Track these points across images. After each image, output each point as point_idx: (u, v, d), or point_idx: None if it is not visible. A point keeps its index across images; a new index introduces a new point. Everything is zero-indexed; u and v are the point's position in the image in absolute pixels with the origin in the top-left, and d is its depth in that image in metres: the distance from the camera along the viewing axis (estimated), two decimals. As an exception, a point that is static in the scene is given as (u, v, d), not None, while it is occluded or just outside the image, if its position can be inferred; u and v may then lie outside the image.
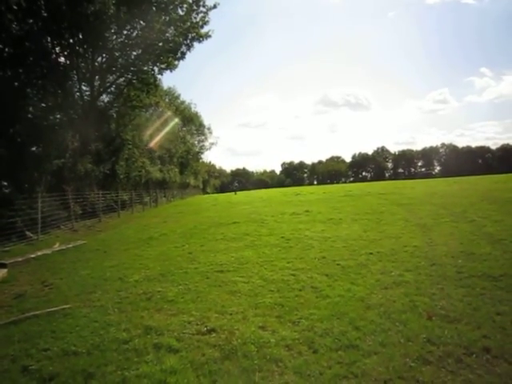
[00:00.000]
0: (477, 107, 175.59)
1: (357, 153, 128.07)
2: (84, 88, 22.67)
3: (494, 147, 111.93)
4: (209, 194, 72.91)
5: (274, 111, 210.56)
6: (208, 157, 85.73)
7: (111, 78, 24.02)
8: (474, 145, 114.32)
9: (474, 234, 8.95)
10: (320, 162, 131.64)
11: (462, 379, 3.22)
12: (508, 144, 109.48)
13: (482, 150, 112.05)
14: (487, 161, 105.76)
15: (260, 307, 5.13)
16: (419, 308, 4.72)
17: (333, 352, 3.78)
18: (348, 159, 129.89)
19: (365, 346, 3.84)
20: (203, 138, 68.66)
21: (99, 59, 22.66)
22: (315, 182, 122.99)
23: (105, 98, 25.18)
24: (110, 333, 4.54)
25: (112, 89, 24.74)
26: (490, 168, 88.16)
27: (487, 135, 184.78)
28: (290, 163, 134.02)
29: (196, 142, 66.89)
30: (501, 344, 3.73)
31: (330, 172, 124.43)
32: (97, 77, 22.92)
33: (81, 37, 20.12)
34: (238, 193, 54.36)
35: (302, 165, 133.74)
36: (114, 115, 26.19)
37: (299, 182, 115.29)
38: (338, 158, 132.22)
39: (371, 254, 7.75)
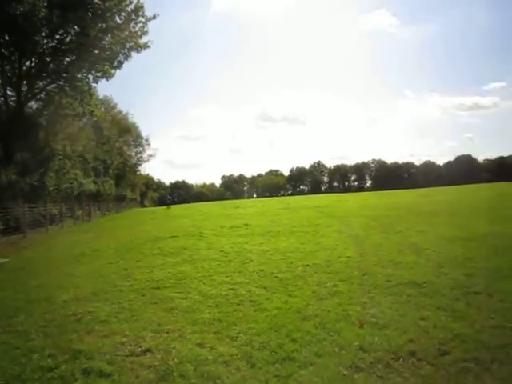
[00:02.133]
0: (402, 126, 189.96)
1: (294, 167, 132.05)
2: (9, 93, 21.12)
3: (417, 163, 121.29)
4: (147, 207, 70.64)
5: (214, 124, 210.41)
6: (146, 169, 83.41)
7: (41, 83, 22.61)
8: (400, 161, 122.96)
9: (401, 244, 9.57)
10: (259, 176, 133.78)
11: (391, 383, 3.40)
12: (429, 160, 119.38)
13: (408, 166, 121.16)
14: (413, 175, 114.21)
15: (198, 324, 5.03)
16: (352, 317, 4.92)
17: (270, 365, 3.79)
18: (286, 173, 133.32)
19: (301, 358, 3.91)
20: (141, 149, 67.00)
21: (27, 63, 21.24)
22: (255, 195, 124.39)
23: (33, 104, 23.61)
24: (33, 360, 4.17)
25: (42, 95, 23.27)
26: (415, 182, 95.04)
27: (411, 151, 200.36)
28: (230, 176, 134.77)
29: (133, 154, 65.06)
30: (424, 347, 3.99)
31: (268, 185, 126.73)
32: (24, 82, 21.43)
33: (7, 38, 18.78)
34: (175, 207, 53.17)
35: (241, 178, 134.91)
36: (44, 123, 24.57)
37: (239, 195, 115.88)
38: (277, 171, 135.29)
39: (308, 265, 7.95)
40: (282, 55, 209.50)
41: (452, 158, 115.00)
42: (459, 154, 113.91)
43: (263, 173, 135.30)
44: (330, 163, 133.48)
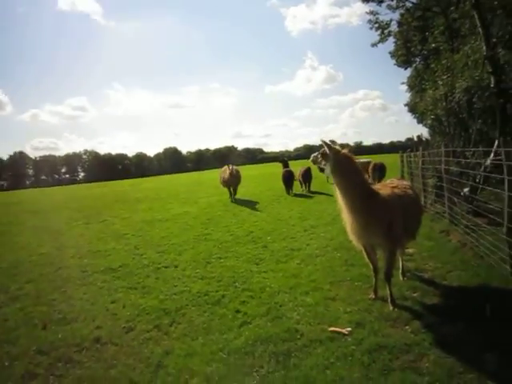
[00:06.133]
0: (114, 118, 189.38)
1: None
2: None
3: (130, 155, 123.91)
4: None
5: None
6: None
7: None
8: (113, 152, 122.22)
9: (103, 233, 9.43)
10: None
11: (71, 379, 3.18)
12: (141, 152, 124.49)
13: (121, 157, 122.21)
14: (126, 166, 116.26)
15: None
16: (35, 319, 4.38)
17: None
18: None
19: None
20: None
21: None
22: None
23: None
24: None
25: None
26: (128, 173, 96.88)
27: (124, 143, 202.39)
28: None
29: None
30: (110, 330, 4.00)
31: None
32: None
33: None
34: None
35: None
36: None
37: None
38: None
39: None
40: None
41: (161, 150, 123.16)
42: (167, 146, 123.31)
43: None
44: (35, 154, 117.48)
